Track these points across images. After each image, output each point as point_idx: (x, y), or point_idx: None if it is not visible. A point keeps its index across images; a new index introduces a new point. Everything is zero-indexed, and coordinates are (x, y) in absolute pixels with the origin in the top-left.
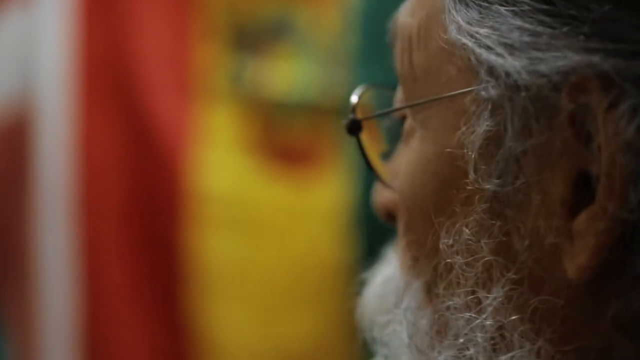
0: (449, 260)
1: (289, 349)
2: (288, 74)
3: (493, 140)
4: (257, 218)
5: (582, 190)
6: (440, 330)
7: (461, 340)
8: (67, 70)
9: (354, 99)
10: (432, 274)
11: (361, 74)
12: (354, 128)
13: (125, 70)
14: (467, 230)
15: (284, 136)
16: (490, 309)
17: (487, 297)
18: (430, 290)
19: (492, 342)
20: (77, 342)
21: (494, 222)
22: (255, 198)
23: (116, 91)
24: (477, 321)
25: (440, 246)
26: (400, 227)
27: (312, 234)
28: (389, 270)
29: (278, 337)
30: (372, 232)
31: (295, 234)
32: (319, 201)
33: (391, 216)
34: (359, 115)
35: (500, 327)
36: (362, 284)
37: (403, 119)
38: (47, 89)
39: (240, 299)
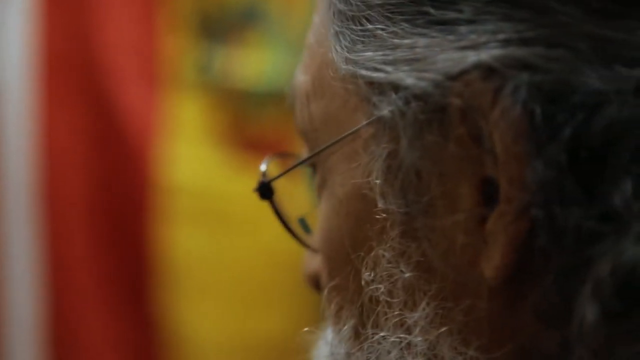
0: (372, 294)
1: (262, 345)
2: (258, 63)
3: (392, 160)
4: (227, 211)
5: (489, 197)
6: None
7: None
8: (30, 61)
9: (262, 167)
10: (358, 316)
11: None
12: (265, 192)
13: (91, 61)
14: (385, 259)
15: (254, 127)
16: (417, 328)
17: (413, 317)
18: (358, 333)
19: None
20: (43, 337)
21: (409, 244)
22: (226, 190)
23: (81, 82)
24: (406, 342)
25: (362, 282)
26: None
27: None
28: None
29: (251, 332)
30: None
31: (268, 227)
32: None
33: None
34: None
35: (431, 346)
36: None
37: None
38: (10, 80)
39: (211, 294)
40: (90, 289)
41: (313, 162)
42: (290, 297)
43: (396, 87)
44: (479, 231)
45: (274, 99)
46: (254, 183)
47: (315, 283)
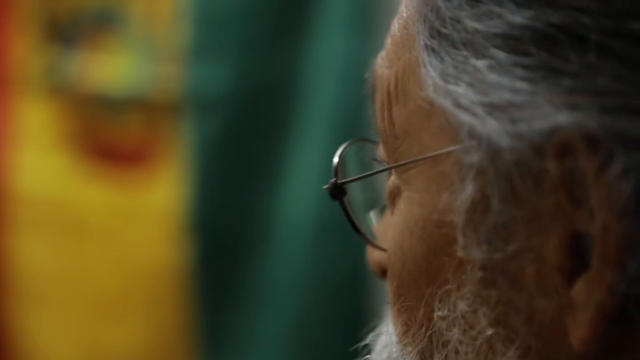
0: (443, 332)
1: (117, 359)
2: (114, 68)
3: (479, 206)
4: (79, 220)
5: (576, 254)
6: None
7: None
8: None
9: (335, 160)
10: (426, 344)
11: (194, 70)
12: (337, 193)
13: None
14: (462, 302)
15: (109, 133)
16: None
17: None
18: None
19: None
20: None
21: (489, 292)
22: (76, 199)
23: None
24: None
25: (435, 317)
26: (391, 291)
27: (144, 237)
28: (388, 336)
29: (104, 347)
30: (207, 236)
31: (124, 237)
32: (151, 202)
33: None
34: (340, 177)
35: None
36: (364, 346)
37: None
38: None
39: (60, 306)
40: None
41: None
42: (146, 310)
43: (488, 136)
44: (565, 295)
45: (130, 105)
46: (109, 192)
47: (381, 272)
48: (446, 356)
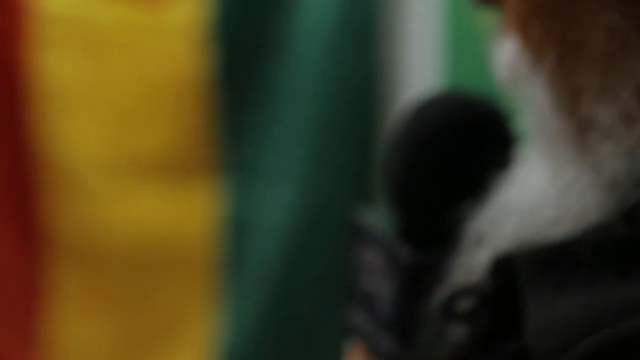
0: None
1: (143, 161)
2: None
3: None
4: (102, 37)
5: None
6: None
7: None
8: None
9: None
10: None
11: None
12: None
13: None
14: None
15: None
16: None
17: None
18: None
19: None
20: None
21: None
22: (99, 16)
23: None
24: None
25: None
26: None
27: (166, 50)
28: None
29: (132, 149)
30: (228, 47)
31: (146, 51)
32: (173, 17)
33: None
34: None
35: None
36: None
37: None
38: None
39: (88, 115)
40: None
41: None
42: (169, 117)
43: None
44: None
45: None
46: (131, 9)
47: None
48: None
